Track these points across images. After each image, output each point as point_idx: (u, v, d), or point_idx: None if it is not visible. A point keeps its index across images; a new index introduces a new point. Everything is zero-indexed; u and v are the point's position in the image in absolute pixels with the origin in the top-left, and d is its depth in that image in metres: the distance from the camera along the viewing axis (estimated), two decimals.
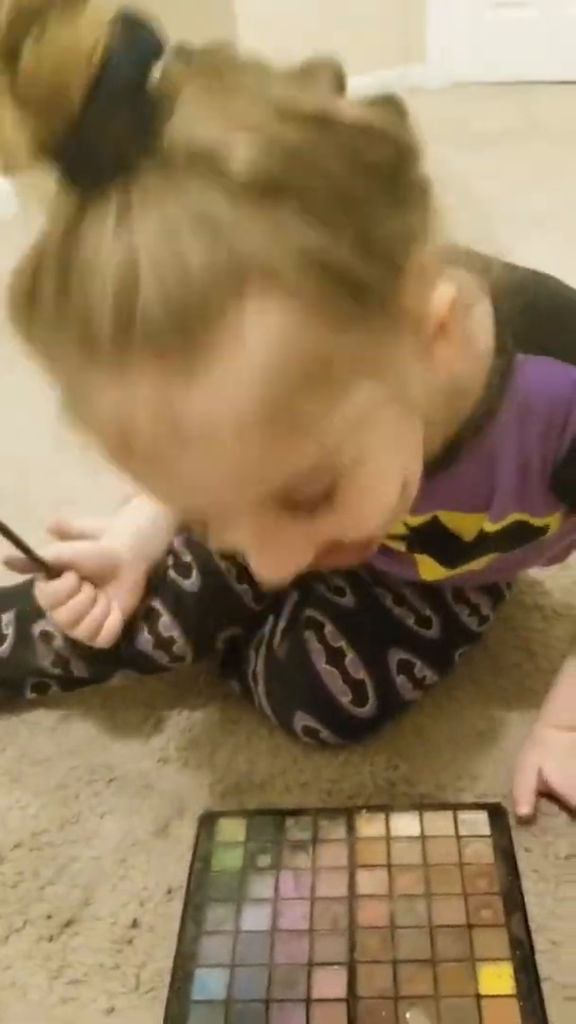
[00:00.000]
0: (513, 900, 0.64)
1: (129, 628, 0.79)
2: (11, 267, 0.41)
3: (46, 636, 0.81)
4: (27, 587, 0.83)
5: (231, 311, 0.37)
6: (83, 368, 0.40)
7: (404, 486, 0.49)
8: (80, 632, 0.75)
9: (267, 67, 0.41)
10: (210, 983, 0.61)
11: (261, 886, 0.67)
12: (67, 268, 0.38)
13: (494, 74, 3.48)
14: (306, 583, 0.83)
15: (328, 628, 0.78)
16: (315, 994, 0.60)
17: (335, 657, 0.77)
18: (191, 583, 0.81)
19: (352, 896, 0.65)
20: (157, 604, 0.80)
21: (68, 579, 0.75)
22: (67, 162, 0.37)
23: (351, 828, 0.70)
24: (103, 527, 0.87)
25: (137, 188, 0.37)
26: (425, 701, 0.82)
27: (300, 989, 0.60)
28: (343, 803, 0.74)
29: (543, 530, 0.66)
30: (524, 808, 0.70)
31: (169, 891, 0.68)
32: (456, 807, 0.71)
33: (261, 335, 0.38)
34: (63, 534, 0.90)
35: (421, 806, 0.72)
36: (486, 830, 0.69)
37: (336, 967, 0.61)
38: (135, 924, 0.66)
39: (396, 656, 0.78)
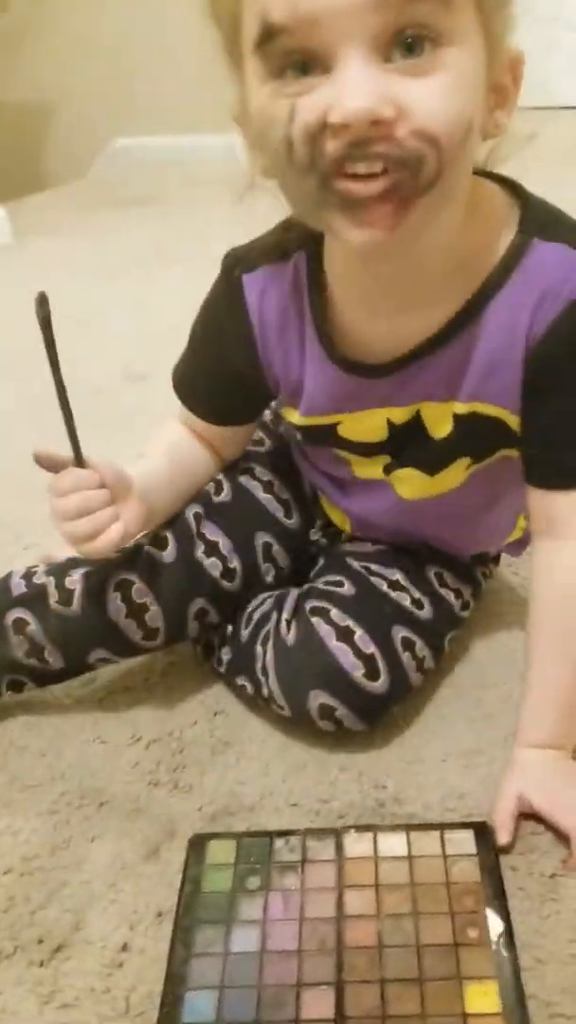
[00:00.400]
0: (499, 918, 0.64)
1: (101, 597, 0.81)
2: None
3: (19, 624, 0.82)
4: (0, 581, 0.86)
5: None
6: None
7: (469, 127, 0.57)
8: (81, 527, 0.74)
9: None
10: (200, 1005, 0.61)
11: (250, 907, 0.67)
12: None
13: None
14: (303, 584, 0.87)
15: (334, 611, 0.80)
16: (304, 1014, 0.60)
17: (345, 634, 0.79)
18: (167, 554, 0.84)
19: (340, 916, 0.66)
20: (132, 576, 0.82)
21: (91, 473, 0.74)
22: None
23: (339, 848, 0.71)
24: None
25: None
26: (413, 719, 0.83)
27: (289, 1010, 0.60)
28: (332, 823, 0.75)
29: (516, 437, 0.73)
30: (504, 837, 0.70)
31: (159, 914, 0.69)
32: (442, 827, 0.72)
33: None
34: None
35: (408, 826, 0.72)
36: (472, 849, 0.69)
37: (324, 987, 0.61)
38: (125, 948, 0.67)
39: (400, 633, 0.81)
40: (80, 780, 0.81)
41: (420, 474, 0.79)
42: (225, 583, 0.86)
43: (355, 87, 0.53)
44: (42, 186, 3.60)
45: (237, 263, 0.76)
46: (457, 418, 0.73)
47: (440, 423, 0.74)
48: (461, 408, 0.72)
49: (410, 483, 0.80)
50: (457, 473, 0.78)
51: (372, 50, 0.53)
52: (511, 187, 0.69)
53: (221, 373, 0.82)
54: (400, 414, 0.75)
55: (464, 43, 0.55)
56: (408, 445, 0.77)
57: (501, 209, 0.68)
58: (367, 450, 0.79)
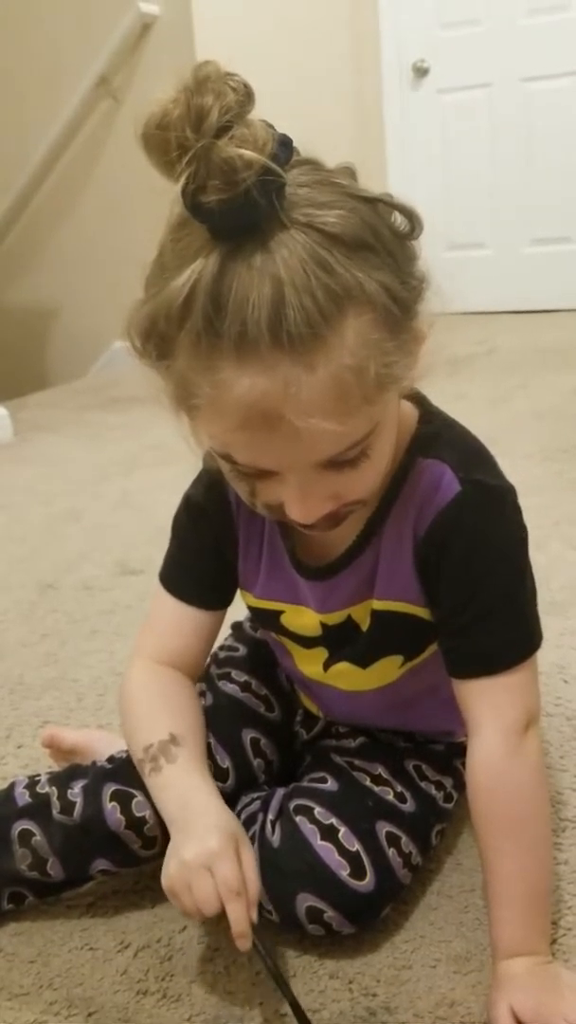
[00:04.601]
0: None
1: (100, 808, 0.83)
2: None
3: (24, 835, 0.84)
4: (4, 792, 0.88)
5: (341, 319, 0.58)
6: (233, 364, 0.58)
7: (389, 460, 0.71)
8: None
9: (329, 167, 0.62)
10: None
11: None
12: (222, 293, 0.56)
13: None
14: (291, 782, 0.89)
15: (318, 810, 0.82)
16: None
17: (329, 833, 0.80)
18: None
19: None
20: (131, 789, 0.83)
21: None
22: (221, 223, 0.56)
23: None
24: (89, 737, 1.02)
25: (273, 242, 0.56)
26: (402, 923, 0.83)
27: None
28: None
29: (432, 627, 0.80)
30: None
31: None
32: None
33: (356, 338, 0.59)
34: (56, 746, 1.03)
35: None
36: None
37: None
38: None
39: (384, 829, 0.82)
40: (68, 989, 0.80)
41: (353, 667, 0.85)
42: (218, 784, 0.86)
43: (301, 505, 0.67)
44: (44, 386, 3.76)
45: None
46: (375, 613, 0.81)
47: (363, 619, 0.82)
48: (378, 604, 0.81)
49: (345, 677, 0.86)
50: (390, 669, 0.84)
51: (313, 469, 0.65)
52: (420, 402, 0.79)
53: (201, 548, 0.87)
54: (332, 618, 0.83)
55: (383, 430, 0.67)
56: (342, 640, 0.84)
57: (410, 426, 0.78)
58: (306, 642, 0.86)
